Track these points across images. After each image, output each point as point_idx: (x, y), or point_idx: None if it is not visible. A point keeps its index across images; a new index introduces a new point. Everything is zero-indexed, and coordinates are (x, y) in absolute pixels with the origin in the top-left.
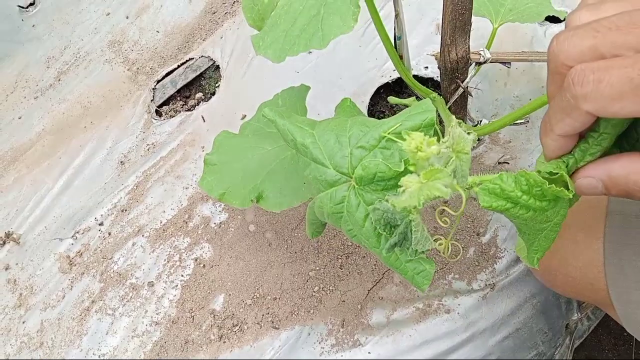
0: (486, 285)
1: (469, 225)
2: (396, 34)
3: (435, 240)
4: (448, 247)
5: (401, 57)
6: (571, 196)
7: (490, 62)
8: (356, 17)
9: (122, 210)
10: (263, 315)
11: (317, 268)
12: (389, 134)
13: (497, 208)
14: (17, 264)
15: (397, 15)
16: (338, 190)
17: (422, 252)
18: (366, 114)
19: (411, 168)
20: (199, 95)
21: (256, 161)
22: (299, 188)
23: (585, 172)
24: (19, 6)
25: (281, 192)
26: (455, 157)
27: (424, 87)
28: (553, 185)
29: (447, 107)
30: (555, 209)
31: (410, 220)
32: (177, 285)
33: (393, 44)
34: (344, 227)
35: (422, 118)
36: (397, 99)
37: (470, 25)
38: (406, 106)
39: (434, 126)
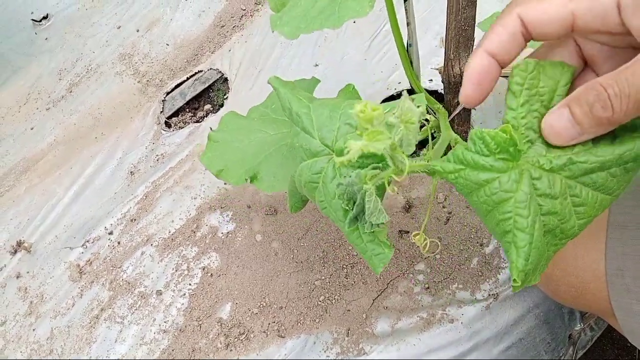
0: (489, 295)
1: (472, 236)
2: (408, 42)
3: (415, 235)
4: (424, 240)
5: (411, 63)
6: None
7: None
8: (372, 3)
9: (132, 220)
10: (269, 323)
11: (323, 277)
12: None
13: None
14: (28, 272)
15: (408, 24)
16: (318, 161)
17: (377, 225)
18: None
19: (358, 133)
20: (208, 107)
21: (257, 144)
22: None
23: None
24: (33, 20)
25: (275, 176)
26: (403, 127)
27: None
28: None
29: (450, 118)
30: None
31: (365, 191)
32: (184, 294)
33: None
34: (317, 197)
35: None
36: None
37: (474, 41)
38: None
39: (425, 111)
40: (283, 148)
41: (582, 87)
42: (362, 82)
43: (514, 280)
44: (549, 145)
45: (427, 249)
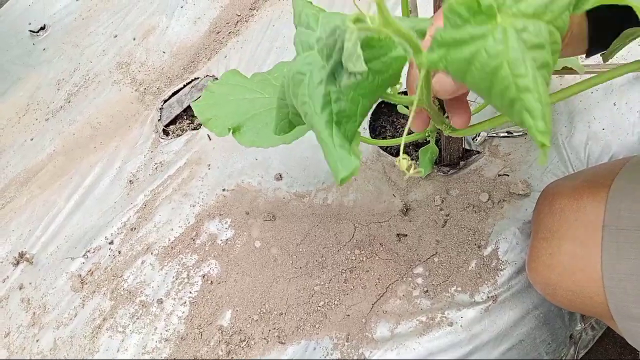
0: (488, 297)
1: (470, 239)
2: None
3: (399, 161)
4: (409, 162)
5: None
6: None
7: None
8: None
9: (132, 229)
10: (269, 330)
11: (322, 283)
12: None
13: None
14: (30, 283)
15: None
16: (312, 53)
17: (354, 74)
18: (368, 129)
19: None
20: None
21: (250, 102)
22: (274, 136)
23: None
24: (31, 30)
25: (258, 133)
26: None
27: None
28: None
29: (445, 116)
30: None
31: (345, 30)
32: (185, 302)
33: None
34: (300, 91)
35: None
36: (405, 108)
37: None
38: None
39: None
40: (272, 111)
41: None
42: None
43: (542, 145)
44: None
45: (411, 171)
